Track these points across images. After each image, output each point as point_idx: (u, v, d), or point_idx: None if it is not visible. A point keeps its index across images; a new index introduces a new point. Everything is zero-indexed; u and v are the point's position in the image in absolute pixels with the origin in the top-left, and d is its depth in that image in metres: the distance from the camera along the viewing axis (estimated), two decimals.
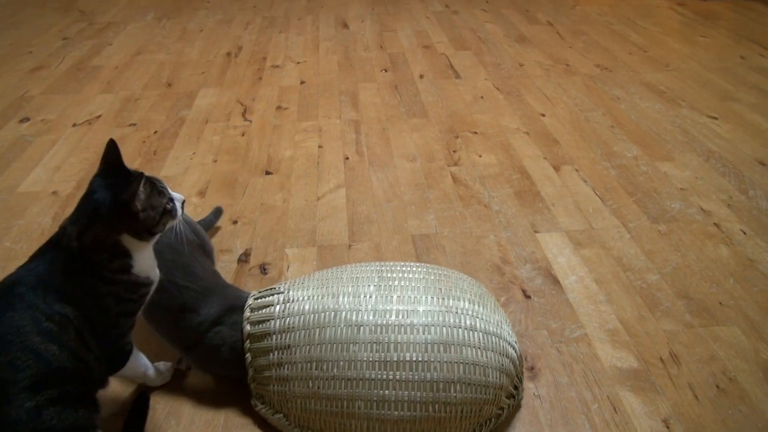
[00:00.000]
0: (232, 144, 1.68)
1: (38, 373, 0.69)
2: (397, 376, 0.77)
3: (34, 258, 0.75)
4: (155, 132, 1.74)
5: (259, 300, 0.89)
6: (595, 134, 1.69)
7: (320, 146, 1.66)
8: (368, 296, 0.83)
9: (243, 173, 1.54)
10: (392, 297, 0.83)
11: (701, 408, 0.90)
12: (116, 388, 0.94)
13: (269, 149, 1.65)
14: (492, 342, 0.81)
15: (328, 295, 0.85)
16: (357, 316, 0.81)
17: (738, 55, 2.23)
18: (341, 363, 0.78)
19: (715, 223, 1.30)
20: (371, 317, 0.80)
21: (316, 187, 1.47)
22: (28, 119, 1.82)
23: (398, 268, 0.90)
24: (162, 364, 0.95)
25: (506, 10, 2.83)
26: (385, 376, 0.77)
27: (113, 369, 0.81)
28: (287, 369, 0.81)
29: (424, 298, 0.83)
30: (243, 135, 1.73)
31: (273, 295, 0.89)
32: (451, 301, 0.83)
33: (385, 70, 2.16)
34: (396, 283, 0.86)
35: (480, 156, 1.59)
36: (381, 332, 0.79)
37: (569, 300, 1.11)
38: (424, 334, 0.79)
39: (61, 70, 2.17)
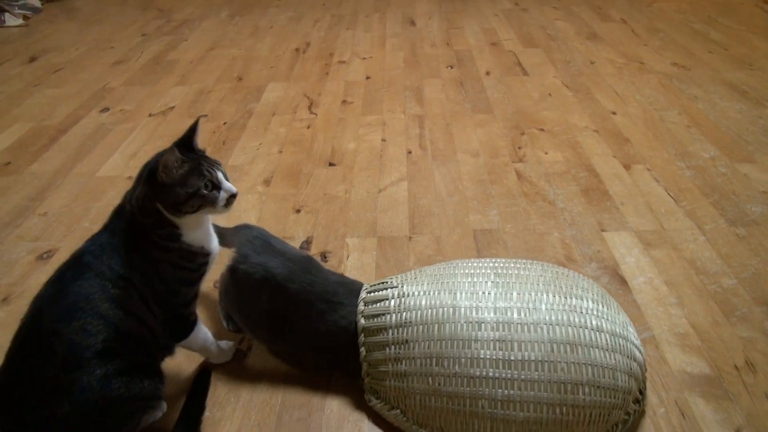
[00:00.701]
0: (298, 136, 1.71)
1: (108, 338, 0.72)
2: (522, 376, 0.75)
3: (102, 228, 0.79)
4: (225, 123, 1.79)
5: (373, 294, 0.87)
6: (669, 134, 1.61)
7: (383, 140, 1.67)
8: (487, 293, 0.81)
9: (307, 164, 1.56)
10: (512, 294, 0.81)
11: None
12: (182, 363, 0.98)
13: (333, 142, 1.67)
14: (619, 344, 0.78)
15: (444, 291, 0.83)
16: (477, 313, 0.79)
17: None
18: (463, 360, 0.77)
19: None
20: (492, 314, 0.79)
21: (378, 180, 1.48)
22: (108, 109, 1.92)
23: (512, 265, 0.88)
24: (224, 343, 0.98)
25: (578, 7, 2.75)
26: (509, 375, 0.75)
27: (177, 338, 0.84)
28: (405, 364, 0.80)
29: (545, 296, 0.81)
30: (308, 127, 1.76)
31: (387, 288, 0.87)
32: (574, 300, 0.81)
33: (451, 67, 2.15)
34: (513, 280, 0.84)
35: (546, 153, 1.55)
36: (503, 330, 0.77)
37: (637, 301, 1.07)
38: (548, 333, 0.77)
39: (140, 64, 2.28)
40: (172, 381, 0.94)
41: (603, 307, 0.81)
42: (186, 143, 0.79)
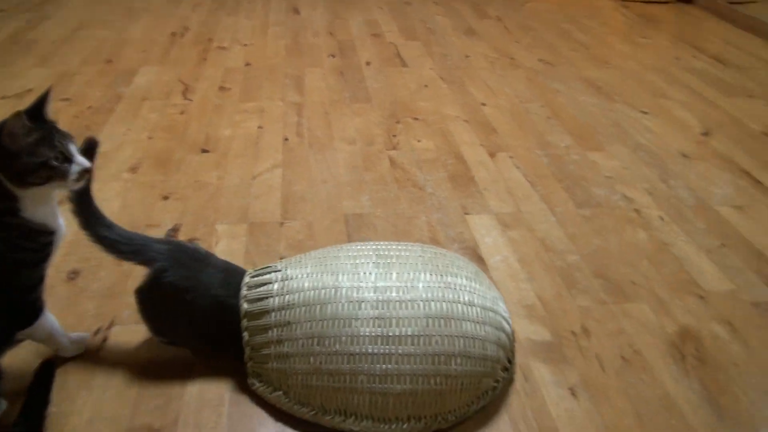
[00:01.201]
0: (170, 122, 1.65)
1: None
2: (399, 350, 0.78)
3: None
4: (89, 107, 1.70)
5: (256, 278, 0.87)
6: (532, 124, 1.73)
7: (260, 127, 1.65)
8: (368, 273, 0.84)
9: (179, 151, 1.52)
10: (392, 274, 0.84)
11: (606, 377, 0.94)
12: (28, 358, 0.92)
13: (208, 128, 1.63)
14: (489, 317, 0.83)
15: (326, 272, 0.85)
16: (358, 293, 0.82)
17: (673, 56, 2.32)
18: (343, 338, 0.79)
19: (636, 210, 1.36)
20: (372, 294, 0.82)
21: (253, 166, 1.46)
22: None
23: (394, 247, 0.92)
24: (75, 335, 0.93)
25: (457, 4, 2.86)
26: (387, 350, 0.78)
27: (20, 325, 0.79)
28: (287, 346, 0.81)
29: (422, 275, 0.85)
30: (182, 113, 1.70)
31: (270, 273, 0.88)
32: (449, 277, 0.85)
33: (333, 56, 2.16)
34: (394, 261, 0.87)
35: (419, 141, 1.61)
36: (382, 308, 0.81)
37: (493, 278, 1.14)
38: (424, 309, 0.81)
39: None
40: (16, 378, 0.88)
41: (475, 283, 0.87)
42: (35, 113, 0.74)
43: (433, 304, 0.81)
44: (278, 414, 0.85)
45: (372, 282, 0.83)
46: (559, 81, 2.04)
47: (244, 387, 0.89)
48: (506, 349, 0.87)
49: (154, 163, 1.46)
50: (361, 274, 0.85)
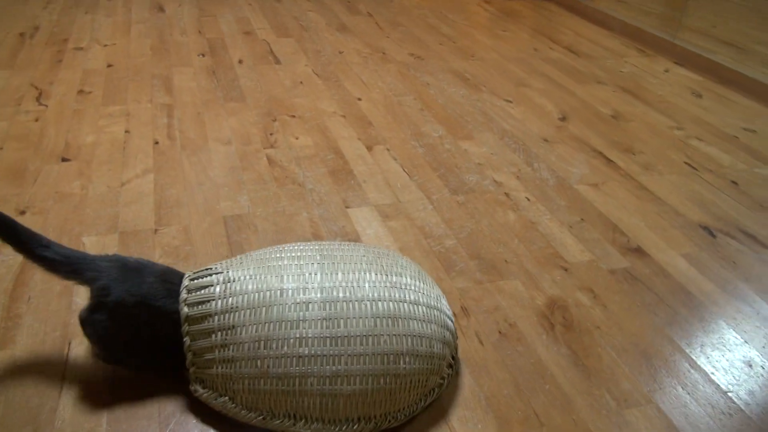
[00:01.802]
0: (23, 130, 1.52)
1: None
2: (349, 351, 0.78)
3: None
4: None
5: (196, 281, 0.84)
6: (405, 116, 1.78)
7: (127, 131, 1.56)
8: (313, 274, 0.83)
9: (35, 161, 1.40)
10: (337, 274, 0.84)
11: (485, 351, 0.99)
12: None
13: (67, 135, 1.52)
14: (434, 315, 0.85)
15: (270, 274, 0.83)
16: (304, 294, 0.80)
17: (532, 48, 2.49)
18: (291, 341, 0.77)
19: (505, 193, 1.45)
20: (318, 294, 0.81)
21: (121, 173, 1.38)
22: None
23: (337, 247, 0.90)
24: None
25: (329, 0, 2.87)
26: (336, 352, 0.78)
27: None
28: (233, 350, 0.79)
29: (367, 275, 0.84)
30: (36, 120, 1.57)
31: (211, 275, 0.84)
32: (394, 277, 0.85)
33: (203, 55, 2.09)
34: (338, 261, 0.87)
35: (297, 138, 1.61)
36: (329, 308, 0.80)
37: None
38: (372, 308, 0.80)
39: None
40: None
41: (420, 282, 0.88)
42: None
43: (380, 303, 0.81)
44: (223, 425, 0.82)
45: (318, 283, 0.82)
46: (429, 74, 2.11)
47: (187, 405, 0.84)
48: (451, 347, 0.88)
49: (5, 175, 1.33)
50: (306, 275, 0.83)
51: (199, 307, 0.81)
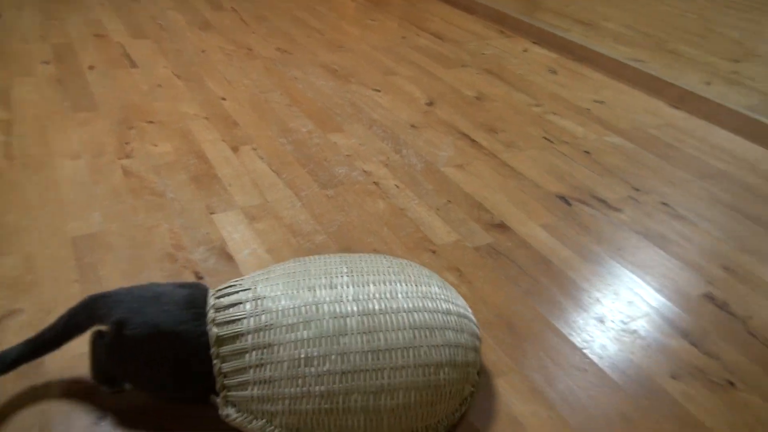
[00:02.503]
0: None
1: None
2: (391, 364, 0.75)
3: None
4: None
5: (223, 299, 0.79)
6: (273, 113, 1.74)
7: None
8: (345, 286, 0.80)
9: None
10: (369, 286, 0.80)
11: None
12: None
13: None
14: (465, 324, 0.83)
15: (302, 288, 0.79)
16: (340, 308, 0.77)
17: (400, 36, 2.52)
18: (333, 357, 0.74)
19: (374, 182, 1.45)
20: (355, 307, 0.77)
21: None
22: None
23: (360, 259, 0.87)
24: None
25: None
26: (379, 365, 0.74)
27: None
28: (270, 369, 0.74)
29: (398, 285, 0.82)
30: None
31: (238, 291, 0.80)
32: (423, 287, 0.83)
33: (47, 63, 1.93)
34: (366, 272, 0.83)
35: (156, 145, 1.52)
36: (368, 321, 0.76)
37: (242, 273, 1.13)
38: (409, 320, 0.78)
39: None
40: None
41: (447, 291, 0.86)
42: None
43: (416, 314, 0.79)
44: None
45: (352, 295, 0.79)
46: (297, 68, 2.08)
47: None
48: (479, 354, 0.87)
49: None
50: (339, 287, 0.79)
51: (230, 326, 0.77)
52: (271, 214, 1.31)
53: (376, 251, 1.22)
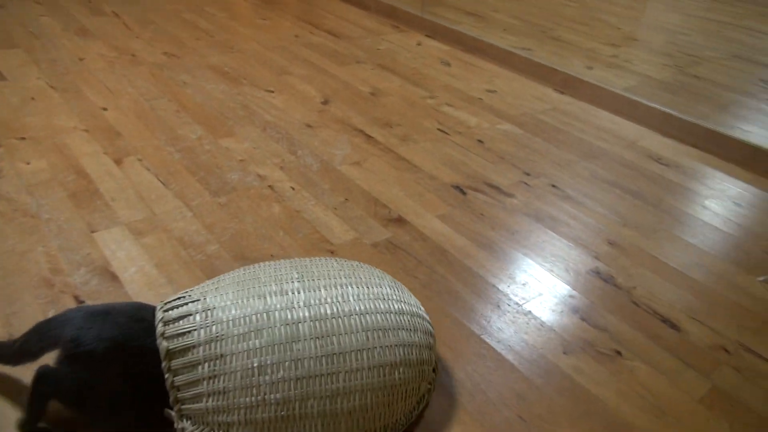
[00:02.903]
0: None
1: None
2: (346, 368, 0.76)
3: None
4: None
5: (172, 311, 0.78)
6: (160, 121, 1.67)
7: None
8: (296, 292, 0.80)
9: None
10: (320, 290, 0.81)
11: None
12: None
13: None
14: (418, 323, 0.84)
15: (252, 296, 0.79)
16: (292, 314, 0.77)
17: (293, 34, 2.49)
18: (286, 364, 0.74)
19: (269, 186, 1.42)
20: (307, 313, 0.78)
21: None
22: None
23: (310, 263, 0.87)
24: None
25: (66, 2, 2.58)
26: (334, 369, 0.75)
27: None
28: (224, 381, 0.74)
29: (350, 288, 0.82)
30: None
31: (187, 303, 0.79)
32: (374, 288, 0.84)
33: None
34: (317, 276, 0.83)
35: (28, 164, 1.41)
36: (320, 326, 0.77)
37: (128, 293, 1.07)
38: (361, 322, 0.79)
39: None
40: None
41: (399, 291, 0.87)
42: None
43: (368, 316, 0.80)
44: None
45: (303, 301, 0.79)
46: (186, 72, 2.00)
47: None
48: (434, 351, 0.88)
49: None
50: (290, 294, 0.80)
51: (180, 339, 0.76)
52: (159, 227, 1.24)
53: (272, 257, 1.19)
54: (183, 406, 0.75)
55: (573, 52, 2.54)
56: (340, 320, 0.78)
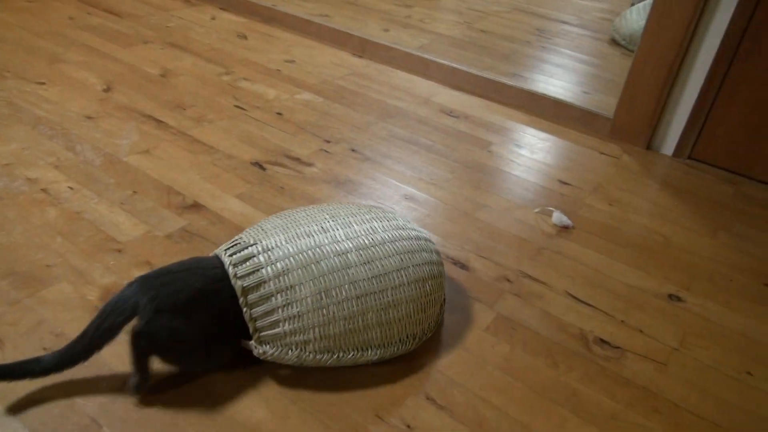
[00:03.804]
0: None
1: None
2: (392, 284, 0.91)
3: None
4: None
5: (236, 255, 0.89)
6: None
7: None
8: (335, 230, 0.93)
9: None
10: (353, 226, 0.95)
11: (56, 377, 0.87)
12: None
13: None
14: (429, 245, 1.00)
15: (300, 236, 0.92)
16: (339, 246, 0.91)
17: (67, 16, 2.24)
18: (346, 286, 0.88)
19: (42, 189, 1.28)
20: (350, 244, 0.91)
21: None
22: None
23: (331, 207, 1.01)
24: None
25: None
26: (383, 286, 0.90)
27: None
28: (296, 306, 0.86)
29: (375, 223, 0.97)
30: None
31: (246, 248, 0.90)
32: (392, 221, 0.99)
33: None
34: (343, 215, 0.98)
35: None
36: (364, 254, 0.91)
37: None
38: (392, 247, 0.94)
39: None
40: None
41: (408, 222, 1.03)
42: None
43: (397, 243, 0.94)
44: None
45: (343, 235, 0.93)
46: None
47: None
48: (442, 266, 1.03)
49: None
50: (330, 231, 0.93)
51: (251, 277, 0.87)
52: None
53: (48, 266, 1.08)
54: (261, 334, 0.88)
55: (369, 15, 2.59)
56: (377, 248, 0.93)
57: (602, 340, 1.06)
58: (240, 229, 1.23)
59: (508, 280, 1.18)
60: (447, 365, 0.98)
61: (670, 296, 1.17)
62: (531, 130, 1.78)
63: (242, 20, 2.43)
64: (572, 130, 1.80)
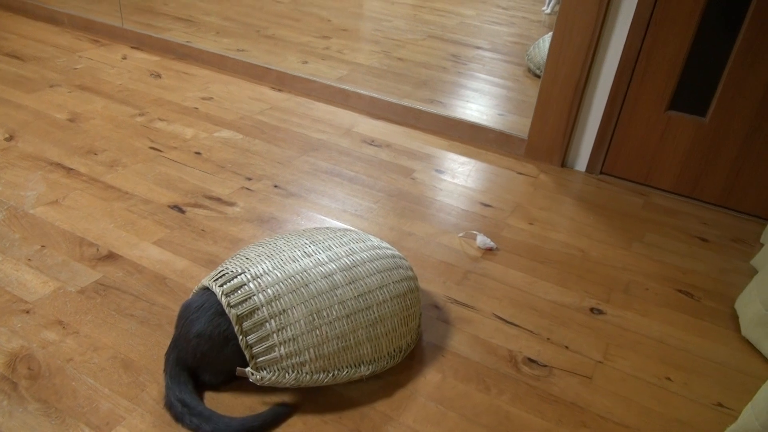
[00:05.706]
0: None
1: None
2: (377, 301, 0.96)
3: None
4: None
5: (226, 285, 0.91)
6: None
7: None
8: (317, 253, 0.97)
9: None
10: (333, 248, 0.99)
11: None
12: None
13: None
14: (402, 262, 1.05)
15: (286, 261, 0.95)
16: (324, 268, 0.94)
17: None
18: (336, 306, 0.92)
19: None
20: (334, 266, 0.95)
21: None
22: None
23: (308, 232, 1.04)
24: None
25: None
26: (369, 304, 0.95)
27: None
28: (291, 330, 0.90)
29: (352, 244, 1.01)
30: None
31: (235, 277, 0.92)
32: (367, 242, 1.03)
33: None
34: (323, 240, 1.01)
35: None
36: (348, 274, 0.95)
37: None
38: (373, 266, 0.98)
39: None
40: None
41: (381, 241, 1.07)
42: None
43: (376, 262, 0.99)
44: None
45: (326, 258, 0.96)
46: None
47: None
48: (417, 281, 1.08)
49: None
50: (313, 255, 0.96)
51: (244, 304, 0.89)
52: None
53: None
54: (258, 360, 0.90)
55: (287, 48, 2.60)
56: (359, 268, 0.97)
57: (530, 360, 1.08)
58: (161, 278, 1.18)
59: (437, 307, 1.19)
60: (378, 400, 0.97)
61: (592, 309, 1.22)
62: (451, 155, 1.82)
63: (155, 58, 2.37)
64: (490, 152, 1.86)
